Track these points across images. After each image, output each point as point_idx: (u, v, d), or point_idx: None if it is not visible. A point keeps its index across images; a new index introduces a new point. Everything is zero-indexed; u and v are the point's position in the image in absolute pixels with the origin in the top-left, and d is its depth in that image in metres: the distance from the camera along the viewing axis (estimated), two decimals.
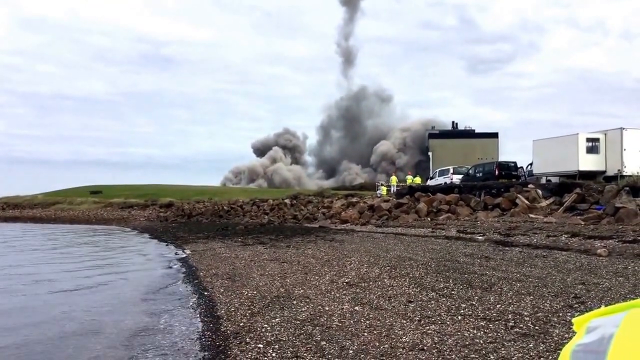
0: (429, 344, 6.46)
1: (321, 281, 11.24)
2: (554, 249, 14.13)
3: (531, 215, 22.78)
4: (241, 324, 8.05)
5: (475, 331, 6.93)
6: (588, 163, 28.04)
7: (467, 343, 6.44)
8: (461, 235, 18.89)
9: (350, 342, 6.74)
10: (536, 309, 7.90)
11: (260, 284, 11.39)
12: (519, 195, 25.02)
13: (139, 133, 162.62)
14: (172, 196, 55.71)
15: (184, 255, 19.37)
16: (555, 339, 6.40)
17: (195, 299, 10.94)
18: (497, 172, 33.04)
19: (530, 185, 26.49)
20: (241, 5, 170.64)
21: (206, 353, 7.04)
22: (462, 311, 8.03)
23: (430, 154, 67.36)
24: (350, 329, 7.35)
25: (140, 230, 36.98)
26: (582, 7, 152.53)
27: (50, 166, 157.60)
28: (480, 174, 34.46)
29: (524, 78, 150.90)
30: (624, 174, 25.98)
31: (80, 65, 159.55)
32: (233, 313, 8.87)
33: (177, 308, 10.44)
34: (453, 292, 9.41)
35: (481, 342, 6.47)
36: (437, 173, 41.11)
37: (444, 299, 8.95)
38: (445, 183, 36.11)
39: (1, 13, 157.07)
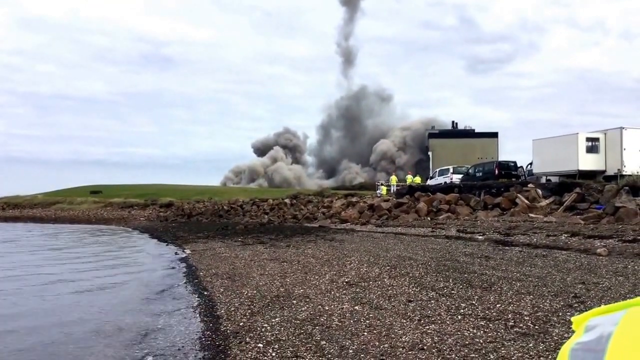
0: (428, 344, 6.47)
1: (321, 281, 11.25)
2: (554, 248, 14.13)
3: (531, 215, 22.78)
4: (241, 324, 8.05)
5: (475, 331, 6.93)
6: (588, 162, 28.04)
7: (467, 342, 6.44)
8: (461, 234, 18.89)
9: (350, 341, 6.74)
10: (536, 308, 7.90)
11: (260, 283, 11.39)
12: (518, 194, 25.03)
13: (139, 133, 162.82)
14: (172, 196, 55.70)
15: (184, 255, 19.37)
16: (555, 338, 6.40)
17: (195, 299, 10.94)
18: (497, 172, 33.02)
19: (530, 185, 26.49)
20: (241, 5, 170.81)
21: (206, 353, 7.04)
22: (462, 311, 8.03)
23: (430, 153, 67.32)
24: (350, 328, 7.35)
25: (140, 230, 36.98)
26: (582, 7, 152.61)
27: (50, 166, 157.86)
28: (480, 174, 34.44)
29: (523, 78, 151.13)
30: (624, 173, 25.97)
31: (80, 65, 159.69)
32: (233, 313, 8.87)
33: (177, 308, 10.44)
34: (453, 292, 9.41)
35: (481, 341, 6.47)
36: (437, 173, 41.08)
37: (443, 298, 8.95)
38: (445, 183, 36.09)
39: (1, 13, 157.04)
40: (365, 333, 7.08)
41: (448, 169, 39.31)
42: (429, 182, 40.42)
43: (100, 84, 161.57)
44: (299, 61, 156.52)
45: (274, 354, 6.47)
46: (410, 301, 8.85)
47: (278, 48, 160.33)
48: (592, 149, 28.28)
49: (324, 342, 6.77)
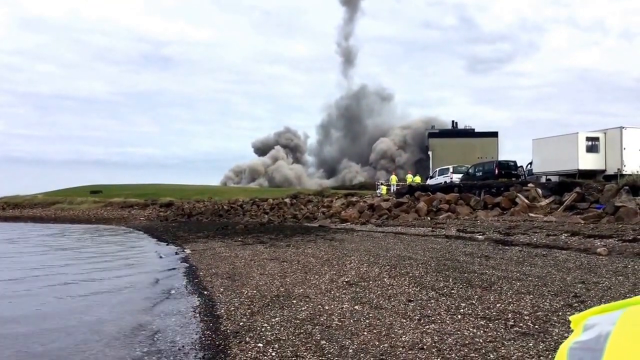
0: (428, 343, 6.47)
1: (321, 280, 11.25)
2: (554, 248, 14.13)
3: (531, 214, 22.78)
4: (241, 323, 8.06)
5: (475, 330, 6.93)
6: (588, 162, 28.06)
7: (466, 342, 6.44)
8: (461, 234, 18.89)
9: (350, 341, 6.74)
10: (536, 308, 7.90)
11: (260, 283, 11.39)
12: (518, 194, 25.03)
13: (139, 133, 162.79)
14: (172, 196, 55.71)
15: (184, 255, 19.37)
16: (555, 338, 6.40)
17: (195, 298, 10.94)
18: (496, 172, 33.03)
19: (530, 185, 26.50)
20: (241, 5, 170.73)
21: (206, 352, 7.04)
22: (462, 310, 8.03)
23: (430, 153, 67.34)
24: (350, 328, 7.36)
25: (141, 230, 36.97)
26: (581, 6, 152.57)
27: (50, 166, 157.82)
28: (480, 173, 34.45)
29: (523, 77, 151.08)
30: (624, 172, 25.99)
31: (80, 65, 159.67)
32: (233, 312, 8.87)
33: (177, 307, 10.44)
34: (453, 291, 9.41)
35: (481, 341, 6.47)
36: (437, 172, 41.09)
37: (443, 298, 8.95)
38: (445, 182, 36.10)
39: (1, 13, 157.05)
40: (365, 333, 7.08)
41: (448, 169, 39.32)
42: (429, 181, 40.43)
43: (100, 84, 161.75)
44: (299, 61, 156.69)
45: (274, 354, 6.47)
46: (410, 301, 8.85)
47: (278, 48, 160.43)
48: (592, 148, 28.29)
49: (324, 342, 6.78)
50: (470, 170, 36.43)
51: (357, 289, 10.06)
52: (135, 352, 7.50)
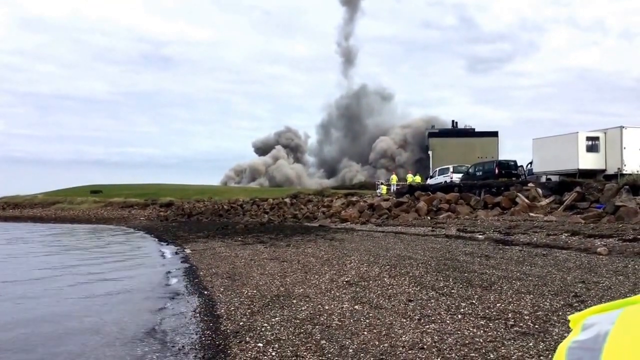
0: (428, 343, 6.46)
1: (321, 280, 11.24)
2: (554, 247, 14.12)
3: (531, 214, 22.78)
4: (241, 323, 8.05)
5: (475, 330, 6.93)
6: (588, 162, 28.05)
7: (466, 342, 6.44)
8: (461, 234, 18.88)
9: (350, 341, 6.74)
10: (536, 307, 7.90)
11: (260, 283, 11.39)
12: (519, 194, 25.03)
13: (139, 133, 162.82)
14: (172, 195, 55.71)
15: (184, 255, 19.36)
16: (555, 337, 6.40)
17: (195, 298, 10.93)
18: (497, 171, 33.02)
19: (530, 184, 26.50)
20: (241, 5, 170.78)
21: (206, 352, 7.03)
22: (462, 310, 8.03)
23: (430, 152, 67.30)
24: (350, 328, 7.35)
25: (141, 230, 36.97)
26: (581, 6, 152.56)
27: (50, 166, 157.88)
28: (480, 173, 34.44)
29: (523, 77, 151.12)
30: (624, 172, 25.98)
31: (80, 65, 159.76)
32: (233, 312, 8.87)
33: (176, 307, 10.44)
34: (453, 291, 9.41)
35: (481, 340, 6.47)
36: (437, 172, 41.07)
37: (443, 297, 8.95)
38: (445, 182, 36.09)
39: (1, 13, 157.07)
40: (365, 332, 7.08)
41: (448, 168, 39.31)
42: (429, 181, 40.43)
43: (100, 84, 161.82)
44: (299, 61, 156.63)
45: (273, 354, 6.47)
46: (410, 300, 8.85)
47: (278, 48, 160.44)
48: (592, 148, 28.29)
49: (324, 342, 6.77)
50: (470, 170, 36.41)
51: (357, 289, 10.06)
52: (135, 352, 7.50)
